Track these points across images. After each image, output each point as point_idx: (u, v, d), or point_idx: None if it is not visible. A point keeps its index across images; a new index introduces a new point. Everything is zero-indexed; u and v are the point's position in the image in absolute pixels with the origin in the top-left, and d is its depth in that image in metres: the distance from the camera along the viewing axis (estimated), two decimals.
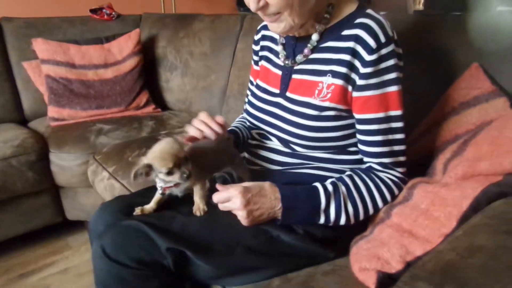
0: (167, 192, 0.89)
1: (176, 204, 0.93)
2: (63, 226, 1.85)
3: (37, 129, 1.88)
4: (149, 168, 0.82)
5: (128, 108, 2.02)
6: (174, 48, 2.13)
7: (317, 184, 0.88)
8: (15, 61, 2.04)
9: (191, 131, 0.93)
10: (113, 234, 0.83)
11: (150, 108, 2.07)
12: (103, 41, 2.11)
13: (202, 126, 0.92)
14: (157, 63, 2.17)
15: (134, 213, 0.90)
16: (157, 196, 0.92)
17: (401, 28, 1.18)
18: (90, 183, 1.58)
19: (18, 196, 1.64)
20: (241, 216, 0.84)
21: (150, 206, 0.92)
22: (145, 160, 0.82)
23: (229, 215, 0.86)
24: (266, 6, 0.83)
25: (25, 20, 2.12)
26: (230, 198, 0.84)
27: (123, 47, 2.10)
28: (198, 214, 0.88)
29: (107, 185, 1.42)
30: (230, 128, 1.11)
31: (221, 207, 0.86)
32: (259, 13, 0.86)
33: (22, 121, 2.05)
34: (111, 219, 0.91)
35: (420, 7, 3.94)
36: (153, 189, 0.94)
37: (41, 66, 1.95)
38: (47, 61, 1.94)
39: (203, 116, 0.94)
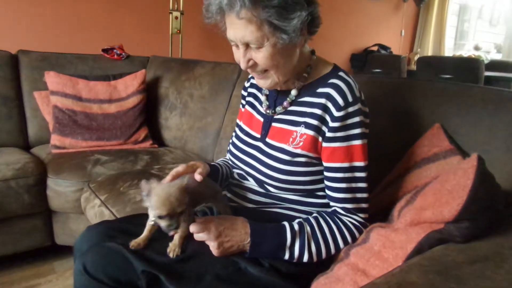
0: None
1: (164, 237, 0.98)
2: (51, 250, 1.90)
3: (39, 155, 1.98)
4: (148, 195, 0.87)
5: (127, 142, 2.14)
6: (175, 89, 2.28)
7: (285, 223, 0.97)
8: (27, 90, 2.20)
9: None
10: (95, 253, 0.91)
11: (147, 143, 2.18)
12: (110, 78, 2.26)
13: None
14: (158, 102, 2.32)
15: (131, 247, 0.92)
16: (149, 224, 0.96)
17: (378, 89, 1.31)
18: (82, 209, 1.66)
19: (12, 217, 1.72)
20: (213, 246, 0.92)
21: (144, 235, 0.96)
22: (152, 191, 0.87)
23: (203, 246, 0.95)
24: (255, 65, 0.96)
25: (41, 54, 2.29)
26: (204, 229, 0.93)
27: (129, 85, 2.25)
28: (171, 255, 0.92)
29: (97, 212, 1.51)
30: (213, 164, 1.21)
31: (196, 237, 0.94)
32: (249, 70, 0.99)
33: (26, 146, 2.17)
34: (95, 240, 0.99)
35: (413, 67, 4.18)
36: (138, 216, 1.02)
37: (50, 97, 2.09)
38: (56, 92, 2.08)
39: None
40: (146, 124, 2.24)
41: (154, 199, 0.86)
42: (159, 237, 0.97)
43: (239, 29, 0.89)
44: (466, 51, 5.25)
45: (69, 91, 2.11)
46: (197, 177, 0.96)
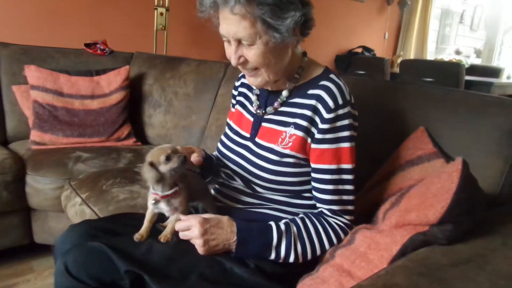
0: (160, 202, 0.96)
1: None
2: (29, 249, 1.86)
3: (17, 150, 1.93)
4: (152, 166, 0.91)
5: (109, 139, 2.10)
6: (160, 87, 2.25)
7: (271, 223, 0.97)
8: (5, 84, 2.13)
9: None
10: (77, 253, 0.89)
11: (130, 141, 2.15)
12: (93, 73, 2.22)
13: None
14: (142, 99, 2.29)
15: (135, 239, 0.95)
16: (149, 212, 0.99)
17: (364, 92, 1.32)
18: (62, 207, 1.63)
19: None
20: (198, 244, 0.92)
21: (145, 226, 0.99)
22: (145, 162, 0.93)
23: (189, 246, 0.94)
24: (245, 62, 0.96)
25: (21, 47, 2.23)
26: (190, 227, 0.92)
27: (112, 81, 2.21)
28: (162, 240, 0.95)
29: (78, 211, 1.47)
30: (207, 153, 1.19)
31: (181, 235, 0.94)
32: (239, 67, 0.99)
33: (4, 141, 2.10)
34: (77, 240, 0.97)
35: (396, 69, 4.24)
36: (121, 216, 1.00)
37: (30, 91, 2.03)
38: (37, 87, 2.03)
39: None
40: (130, 121, 2.20)
41: (152, 158, 0.92)
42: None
43: (232, 24, 0.89)
44: (447, 55, 5.37)
45: (50, 86, 2.06)
46: (194, 159, 0.97)
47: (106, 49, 2.45)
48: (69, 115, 2.05)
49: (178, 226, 0.93)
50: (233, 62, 0.96)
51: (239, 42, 0.92)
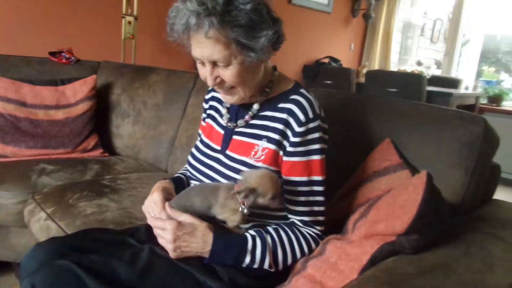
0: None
1: (120, 252, 0.96)
2: None
3: None
4: (251, 192, 0.90)
5: (75, 150, 2.04)
6: (128, 97, 2.22)
7: (247, 234, 0.97)
8: None
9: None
10: (44, 273, 0.86)
11: (97, 152, 2.10)
12: (58, 83, 2.15)
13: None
14: (110, 109, 2.24)
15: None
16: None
17: (333, 104, 1.36)
18: (25, 223, 1.56)
19: None
20: (169, 249, 0.93)
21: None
22: (249, 184, 0.91)
23: (161, 258, 0.93)
24: (222, 82, 0.97)
25: None
26: (164, 228, 0.92)
27: (78, 91, 2.15)
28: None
29: (43, 226, 1.42)
30: (176, 175, 1.21)
31: (155, 231, 0.96)
32: (216, 87, 1.00)
33: None
34: (45, 259, 0.93)
35: (362, 80, 4.37)
36: (90, 231, 0.97)
37: None
38: None
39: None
40: (96, 132, 2.15)
41: (259, 187, 0.91)
42: (121, 259, 0.93)
43: (206, 48, 0.90)
44: (409, 66, 5.58)
45: (12, 96, 1.98)
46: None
47: (72, 57, 2.39)
48: (32, 126, 1.98)
49: (154, 224, 0.94)
50: (210, 83, 0.97)
51: (214, 63, 0.93)
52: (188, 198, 1.01)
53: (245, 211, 0.95)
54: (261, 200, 0.92)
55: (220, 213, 0.97)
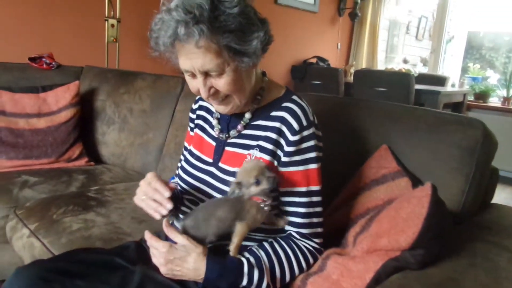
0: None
1: (108, 275, 0.92)
2: None
3: None
4: (239, 185, 0.89)
5: (59, 160, 1.97)
6: (113, 103, 2.14)
7: (243, 260, 0.91)
8: None
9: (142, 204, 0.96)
10: None
11: (82, 161, 2.03)
12: (39, 90, 2.07)
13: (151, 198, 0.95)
14: (94, 116, 2.16)
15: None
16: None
17: (325, 109, 1.32)
18: (7, 239, 1.49)
19: None
20: (162, 270, 0.89)
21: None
22: (234, 180, 0.90)
23: (158, 284, 0.90)
24: (217, 92, 0.92)
25: None
26: (157, 249, 0.89)
27: (60, 98, 2.07)
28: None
29: (26, 244, 1.35)
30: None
31: (150, 250, 0.92)
32: (209, 98, 0.94)
33: None
34: (28, 285, 0.87)
35: (350, 79, 4.35)
36: (77, 252, 0.91)
37: None
38: None
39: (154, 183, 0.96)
40: (81, 140, 2.07)
41: (241, 179, 0.89)
42: (104, 274, 0.88)
43: (197, 58, 0.85)
44: (396, 64, 5.60)
45: None
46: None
47: (53, 63, 2.30)
48: (12, 136, 1.90)
49: (149, 239, 0.91)
50: (204, 95, 0.92)
51: (206, 74, 0.88)
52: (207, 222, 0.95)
53: (265, 208, 0.92)
54: (252, 189, 0.89)
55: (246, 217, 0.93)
